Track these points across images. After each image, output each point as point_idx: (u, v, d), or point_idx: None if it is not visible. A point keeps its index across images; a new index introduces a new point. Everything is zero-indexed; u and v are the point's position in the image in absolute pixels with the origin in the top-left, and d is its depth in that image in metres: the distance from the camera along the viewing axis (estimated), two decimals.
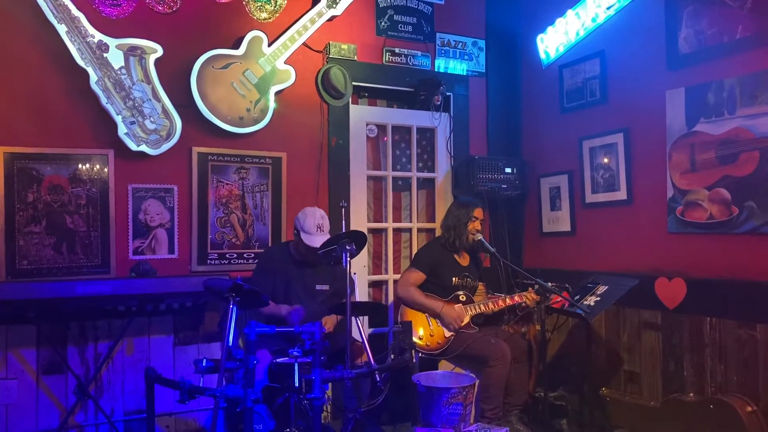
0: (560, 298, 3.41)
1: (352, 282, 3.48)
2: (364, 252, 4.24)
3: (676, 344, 3.51)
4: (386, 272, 4.43)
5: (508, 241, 4.41)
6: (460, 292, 3.64)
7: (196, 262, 3.71)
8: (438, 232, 4.20)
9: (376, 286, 4.44)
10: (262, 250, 3.72)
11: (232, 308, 2.61)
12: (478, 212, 3.72)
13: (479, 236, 3.66)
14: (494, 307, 3.59)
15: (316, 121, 4.04)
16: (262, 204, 3.84)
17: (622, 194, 3.88)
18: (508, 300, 3.56)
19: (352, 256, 2.80)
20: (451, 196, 4.54)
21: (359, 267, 4.23)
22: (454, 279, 3.66)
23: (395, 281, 4.03)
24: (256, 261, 3.64)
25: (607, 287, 3.50)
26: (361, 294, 4.16)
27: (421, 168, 4.58)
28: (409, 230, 4.53)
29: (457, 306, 3.55)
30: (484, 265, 3.98)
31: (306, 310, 3.25)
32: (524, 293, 3.55)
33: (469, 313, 3.58)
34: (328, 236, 3.18)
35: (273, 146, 3.91)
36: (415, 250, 4.29)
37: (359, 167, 4.28)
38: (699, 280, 3.39)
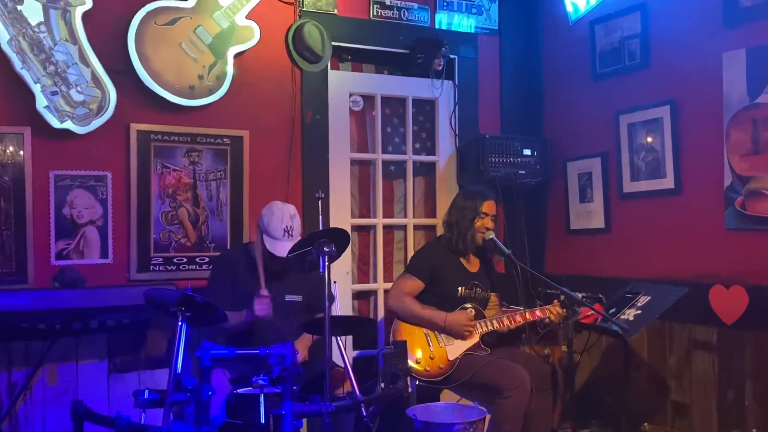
0: (592, 312, 3.44)
1: (332, 293, 3.52)
2: (348, 255, 4.23)
3: (735, 369, 3.53)
4: (375, 280, 4.42)
5: (527, 241, 4.39)
6: (468, 305, 3.66)
7: (136, 268, 3.73)
8: (440, 231, 4.23)
9: (362, 297, 4.44)
10: (219, 253, 3.73)
11: (182, 326, 2.61)
12: (489, 206, 3.72)
13: (491, 235, 3.68)
14: (510, 323, 3.61)
15: (286, 92, 4.05)
16: (218, 195, 3.86)
17: (668, 182, 3.91)
18: (527, 315, 3.57)
19: (331, 261, 2.78)
20: (456, 185, 4.55)
21: (341, 274, 4.21)
22: (459, 289, 3.68)
23: (386, 291, 4.02)
24: (211, 267, 3.62)
25: (649, 298, 3.52)
26: (344, 307, 4.15)
27: (418, 150, 4.59)
28: (404, 228, 4.54)
29: (467, 311, 3.57)
30: (497, 271, 3.99)
31: (274, 327, 3.26)
32: (547, 306, 3.56)
33: (480, 330, 3.61)
34: (297, 240, 3.15)
35: (232, 123, 3.92)
36: (411, 253, 4.32)
37: (341, 149, 4.28)
38: (764, 287, 3.39)
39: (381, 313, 4.37)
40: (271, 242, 3.23)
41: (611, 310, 3.51)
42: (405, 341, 3.21)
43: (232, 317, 3.12)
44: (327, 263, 2.74)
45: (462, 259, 3.76)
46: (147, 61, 3.68)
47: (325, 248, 2.75)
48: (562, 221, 4.55)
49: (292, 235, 3.25)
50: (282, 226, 3.24)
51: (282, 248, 3.14)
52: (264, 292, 3.20)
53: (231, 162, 3.89)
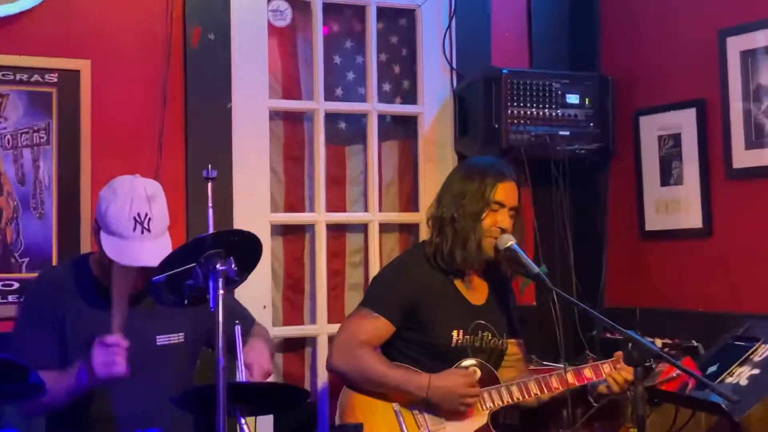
0: (678, 372, 3.33)
1: (231, 342, 3.19)
2: (266, 276, 4.17)
3: None
4: (313, 320, 4.37)
5: (572, 252, 4.40)
6: (469, 362, 3.52)
7: None
8: (424, 233, 4.11)
9: (291, 349, 4.39)
10: (36, 275, 3.57)
11: None
12: (507, 191, 3.58)
13: (510, 241, 3.49)
14: (540, 391, 3.50)
15: None
16: (36, 174, 3.78)
17: None
18: (570, 377, 3.47)
19: (232, 287, 2.72)
20: (452, 155, 4.48)
21: (254, 309, 3.88)
22: (455, 334, 3.53)
23: (332, 338, 3.87)
24: (22, 299, 3.60)
25: None
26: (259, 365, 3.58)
27: (388, 95, 4.54)
28: (364, 228, 4.49)
29: (467, 371, 3.53)
30: (519, 301, 3.96)
31: (132, 399, 3.17)
32: (604, 363, 3.49)
33: (489, 405, 3.47)
34: (167, 242, 3.17)
35: (61, 47, 3.85)
36: (374, 270, 4.26)
37: (253, 93, 4.19)
38: None
39: (323, 377, 4.28)
40: (115, 244, 3.13)
41: (711, 369, 3.42)
42: (361, 425, 3.20)
43: (55, 383, 3.02)
44: (222, 291, 2.55)
45: (459, 283, 3.63)
46: None
47: (218, 265, 2.58)
48: (632, 217, 4.51)
49: (149, 229, 3.14)
50: (129, 213, 3.13)
51: (134, 253, 3.09)
52: (112, 338, 3.04)
53: (59, 115, 3.81)
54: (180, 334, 3.34)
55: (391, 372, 3.47)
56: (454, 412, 3.46)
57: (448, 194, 3.64)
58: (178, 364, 3.37)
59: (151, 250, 3.03)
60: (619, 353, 3.37)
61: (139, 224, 3.13)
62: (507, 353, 3.68)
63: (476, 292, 3.65)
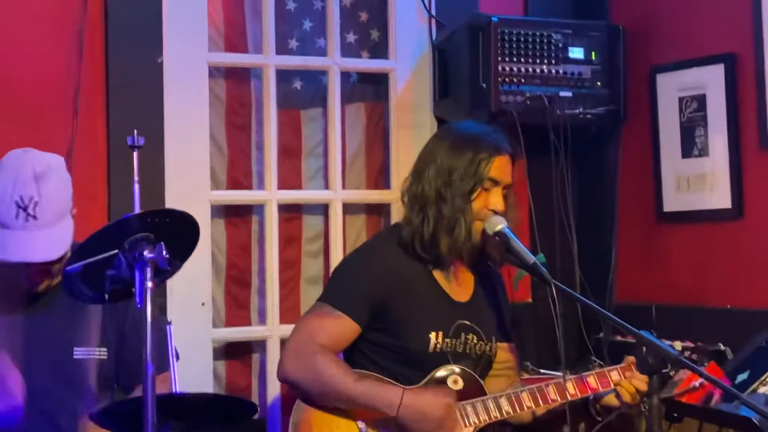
0: (701, 381, 3.32)
1: (166, 349, 3.30)
2: (204, 267, 4.15)
3: None
4: (263, 320, 4.36)
5: (575, 239, 4.41)
6: (449, 370, 3.46)
7: None
8: (396, 215, 4.11)
9: (235, 355, 4.40)
10: None
11: None
12: (501, 166, 3.54)
13: (499, 225, 3.42)
14: (534, 403, 3.45)
15: None
16: None
17: None
18: (572, 387, 3.43)
19: (163, 280, 2.69)
20: (431, 120, 4.48)
21: (191, 306, 4.07)
22: (433, 336, 3.47)
23: (285, 342, 3.75)
24: None
25: None
26: (197, 377, 3.98)
27: (352, 47, 4.55)
28: (324, 209, 4.50)
29: (442, 397, 3.42)
30: (512, 298, 4.03)
31: (44, 417, 3.16)
32: (612, 370, 3.48)
33: (472, 422, 3.41)
34: (64, 231, 3.12)
35: None
36: (336, 261, 4.22)
37: (190, 44, 4.18)
38: None
39: (274, 388, 4.24)
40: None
41: (740, 377, 3.46)
42: None
43: None
44: (151, 284, 2.52)
45: (440, 275, 3.57)
46: None
47: (146, 252, 2.54)
48: (647, 196, 4.51)
49: (35, 216, 3.09)
50: (11, 196, 3.10)
51: (15, 245, 3.06)
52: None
53: None
54: (103, 349, 3.26)
55: (356, 384, 3.38)
56: (433, 427, 3.36)
57: (432, 167, 3.54)
58: (99, 383, 3.30)
59: (39, 241, 3.00)
60: (631, 358, 3.36)
61: (22, 210, 3.06)
62: (496, 360, 3.61)
63: (460, 286, 3.59)
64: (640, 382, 3.32)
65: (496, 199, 3.47)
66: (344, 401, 3.39)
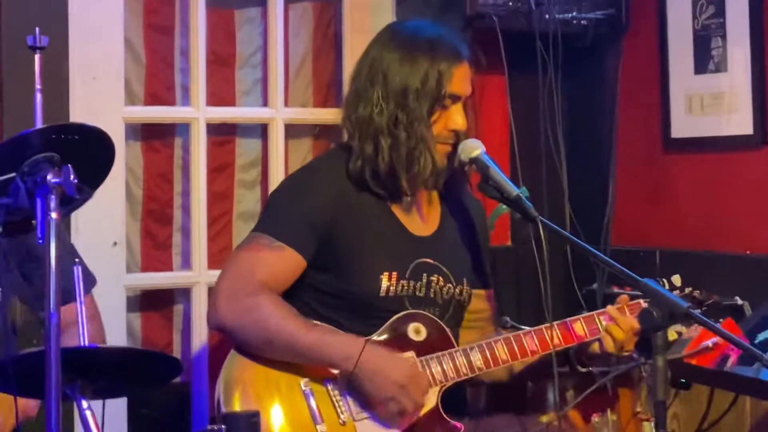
0: (715, 340, 3.36)
1: (74, 285, 3.04)
2: (117, 199, 4.10)
3: None
4: (187, 263, 4.33)
5: (565, 169, 4.48)
6: (410, 322, 3.46)
7: None
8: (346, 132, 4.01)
9: (155, 306, 4.36)
10: None
11: None
12: (462, 78, 3.49)
13: (478, 150, 3.41)
14: (511, 356, 3.46)
15: None
16: None
17: None
18: (555, 334, 3.45)
19: (69, 211, 2.70)
20: (388, 20, 4.35)
21: (100, 246, 4.02)
22: (384, 277, 3.46)
23: (216, 285, 3.70)
24: None
25: None
26: (110, 329, 3.76)
27: None
28: (262, 130, 4.45)
29: (406, 354, 3.44)
30: (491, 239, 4.00)
31: None
32: (601, 313, 3.47)
33: (440, 379, 3.41)
34: None
35: None
36: (273, 185, 4.24)
37: None
38: None
39: (199, 343, 4.25)
40: None
41: (761, 336, 3.48)
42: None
43: None
44: (55, 215, 2.53)
45: (396, 207, 3.54)
46: None
47: (49, 176, 2.58)
48: (653, 119, 4.47)
49: None
50: None
51: None
52: None
53: None
54: None
55: (308, 331, 3.28)
56: (382, 405, 3.29)
57: (380, 85, 3.43)
58: None
59: None
60: (624, 297, 3.37)
61: None
62: (469, 309, 3.55)
63: (423, 218, 3.52)
64: (628, 327, 3.28)
65: (458, 117, 3.42)
66: (292, 352, 3.31)
